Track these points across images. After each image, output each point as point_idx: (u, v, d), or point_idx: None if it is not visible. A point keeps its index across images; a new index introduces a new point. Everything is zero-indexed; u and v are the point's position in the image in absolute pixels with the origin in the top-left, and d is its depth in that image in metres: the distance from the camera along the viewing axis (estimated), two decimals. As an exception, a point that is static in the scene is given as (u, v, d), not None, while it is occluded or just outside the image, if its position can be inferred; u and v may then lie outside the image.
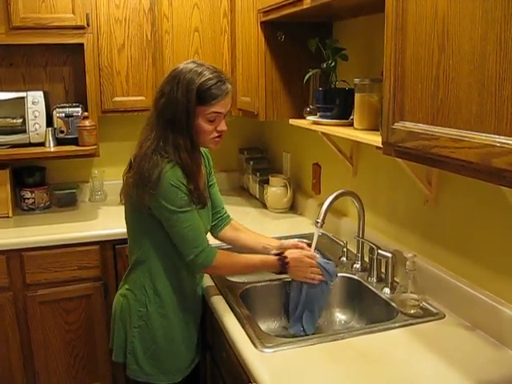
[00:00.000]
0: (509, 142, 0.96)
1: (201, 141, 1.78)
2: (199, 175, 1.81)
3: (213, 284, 2.00)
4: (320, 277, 1.83)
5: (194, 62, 1.76)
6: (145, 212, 1.75)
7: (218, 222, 2.04)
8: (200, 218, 1.78)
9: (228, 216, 2.08)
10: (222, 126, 1.78)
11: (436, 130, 1.16)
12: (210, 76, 1.70)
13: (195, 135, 1.74)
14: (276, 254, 1.85)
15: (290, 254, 1.84)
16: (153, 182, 1.67)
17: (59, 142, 2.78)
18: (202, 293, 2.00)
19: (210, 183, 2.01)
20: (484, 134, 1.02)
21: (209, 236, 1.99)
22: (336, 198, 2.00)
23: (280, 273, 1.84)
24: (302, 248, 1.91)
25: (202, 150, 1.98)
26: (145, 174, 1.68)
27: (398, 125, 1.30)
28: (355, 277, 2.05)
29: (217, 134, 1.78)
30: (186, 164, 1.71)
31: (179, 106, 1.69)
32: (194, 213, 1.75)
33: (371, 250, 1.99)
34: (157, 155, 1.69)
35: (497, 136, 0.99)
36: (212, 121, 1.74)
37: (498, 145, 0.98)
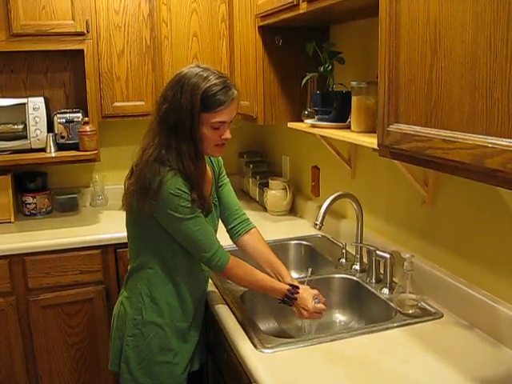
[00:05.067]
0: (500, 142, 0.97)
1: (204, 148, 1.72)
2: (204, 183, 1.77)
3: (213, 286, 2.01)
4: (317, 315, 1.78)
5: (198, 66, 1.69)
6: (145, 220, 1.73)
7: (236, 225, 1.96)
8: (206, 221, 1.75)
9: (248, 220, 1.99)
10: (227, 135, 1.71)
11: (429, 132, 1.17)
12: (216, 81, 1.64)
13: (199, 143, 1.69)
14: (290, 285, 1.78)
15: (302, 292, 1.77)
16: (153, 191, 1.63)
17: (60, 147, 2.80)
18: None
19: (221, 183, 1.96)
20: (476, 135, 1.04)
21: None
22: (334, 200, 2.02)
23: (283, 302, 1.77)
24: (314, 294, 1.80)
25: None
26: (146, 183, 1.65)
27: (393, 127, 1.32)
28: (354, 278, 2.06)
29: (221, 142, 1.73)
30: (189, 172, 1.66)
31: (183, 112, 1.63)
32: (201, 217, 1.72)
33: (369, 252, 2.01)
34: (158, 163, 1.65)
35: (488, 137, 1.00)
36: (216, 128, 1.68)
37: (490, 145, 0.99)
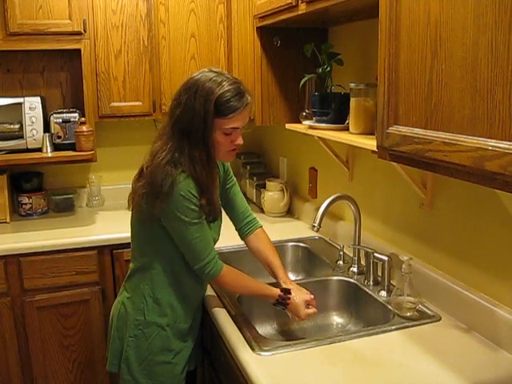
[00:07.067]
0: (500, 145, 0.97)
1: (216, 154, 1.72)
2: (214, 189, 1.77)
3: (210, 288, 2.00)
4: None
5: (211, 71, 1.69)
6: (153, 222, 1.73)
7: (243, 226, 1.99)
8: (210, 230, 1.76)
9: (253, 220, 2.01)
10: (239, 140, 1.72)
11: (429, 134, 1.17)
12: (230, 88, 1.64)
13: (212, 149, 1.69)
14: (282, 290, 1.80)
15: (294, 296, 1.79)
16: (164, 193, 1.63)
17: (56, 147, 2.78)
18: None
19: (228, 185, 1.97)
20: (476, 138, 1.03)
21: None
22: (332, 201, 2.01)
23: (277, 305, 1.81)
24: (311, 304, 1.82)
25: None
26: (157, 185, 1.64)
27: (393, 129, 1.31)
28: (352, 280, 2.06)
29: (232, 148, 1.74)
30: (200, 177, 1.67)
31: (196, 117, 1.63)
32: (204, 224, 1.72)
33: (367, 254, 2.00)
34: (171, 166, 1.65)
35: (489, 139, 1.00)
36: (229, 134, 1.69)
37: (490, 148, 0.99)
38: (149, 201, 1.68)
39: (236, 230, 2.03)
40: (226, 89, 1.64)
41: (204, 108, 1.63)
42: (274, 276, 1.92)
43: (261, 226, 2.03)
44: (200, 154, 1.67)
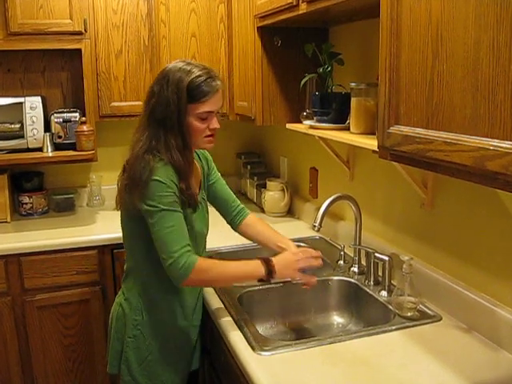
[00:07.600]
0: (502, 145, 0.97)
1: (193, 141, 1.73)
2: (192, 176, 1.77)
3: (210, 288, 2.00)
4: (315, 261, 1.78)
5: (182, 61, 1.73)
6: (138, 217, 1.70)
7: (234, 216, 2.00)
8: (185, 223, 1.68)
9: (243, 209, 2.02)
10: (215, 124, 1.73)
11: (431, 134, 1.17)
12: (200, 73, 1.67)
13: (187, 135, 1.70)
14: (261, 258, 1.73)
15: (276, 256, 1.75)
16: (143, 181, 1.63)
17: (57, 147, 2.79)
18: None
19: (213, 180, 1.98)
20: (478, 138, 1.03)
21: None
22: (333, 201, 2.01)
23: (267, 278, 1.70)
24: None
25: (199, 151, 1.96)
26: (136, 175, 1.64)
27: (394, 129, 1.31)
28: (352, 280, 2.05)
29: (209, 133, 1.74)
30: (178, 163, 1.67)
31: (170, 105, 1.66)
32: (180, 216, 1.67)
33: (368, 254, 2.00)
34: (149, 155, 1.66)
35: (490, 139, 1.00)
36: (204, 119, 1.71)
37: (492, 148, 0.99)
38: (130, 191, 1.68)
39: (227, 222, 2.02)
40: (197, 74, 1.67)
41: (177, 95, 1.66)
42: (285, 247, 1.85)
43: (250, 213, 2.04)
44: (175, 139, 1.68)
